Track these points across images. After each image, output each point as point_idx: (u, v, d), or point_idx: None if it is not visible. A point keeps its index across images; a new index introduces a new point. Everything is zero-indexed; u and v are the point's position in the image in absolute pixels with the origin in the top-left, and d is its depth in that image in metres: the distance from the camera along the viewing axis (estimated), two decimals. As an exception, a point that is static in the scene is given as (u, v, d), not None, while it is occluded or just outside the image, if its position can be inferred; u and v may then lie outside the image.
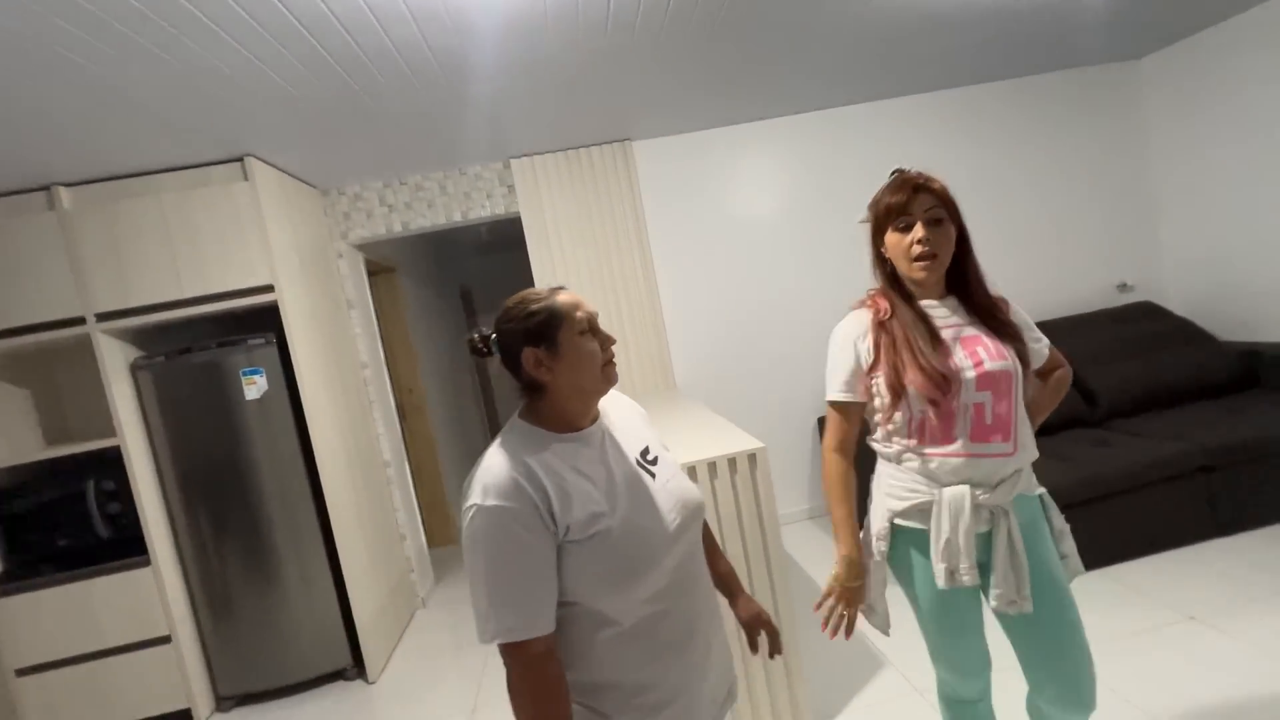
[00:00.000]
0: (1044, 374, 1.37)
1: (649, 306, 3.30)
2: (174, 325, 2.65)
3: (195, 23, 1.55)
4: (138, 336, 2.61)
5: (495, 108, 2.50)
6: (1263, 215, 3.14)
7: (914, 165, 1.32)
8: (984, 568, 1.23)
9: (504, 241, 6.19)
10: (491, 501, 0.88)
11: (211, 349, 2.54)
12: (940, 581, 1.21)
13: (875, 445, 1.34)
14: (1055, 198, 3.57)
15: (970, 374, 1.19)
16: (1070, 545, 1.31)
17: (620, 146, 3.24)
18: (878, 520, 1.31)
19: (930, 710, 1.89)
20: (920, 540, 1.25)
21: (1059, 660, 1.22)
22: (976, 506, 1.19)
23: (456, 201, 3.20)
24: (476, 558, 0.89)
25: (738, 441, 1.82)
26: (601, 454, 0.99)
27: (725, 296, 3.41)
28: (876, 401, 1.28)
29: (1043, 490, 1.31)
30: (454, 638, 2.94)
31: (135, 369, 2.50)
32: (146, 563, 2.47)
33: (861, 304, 1.34)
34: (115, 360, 2.45)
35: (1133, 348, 3.18)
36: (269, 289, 2.46)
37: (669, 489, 1.01)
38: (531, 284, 6.75)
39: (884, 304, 1.29)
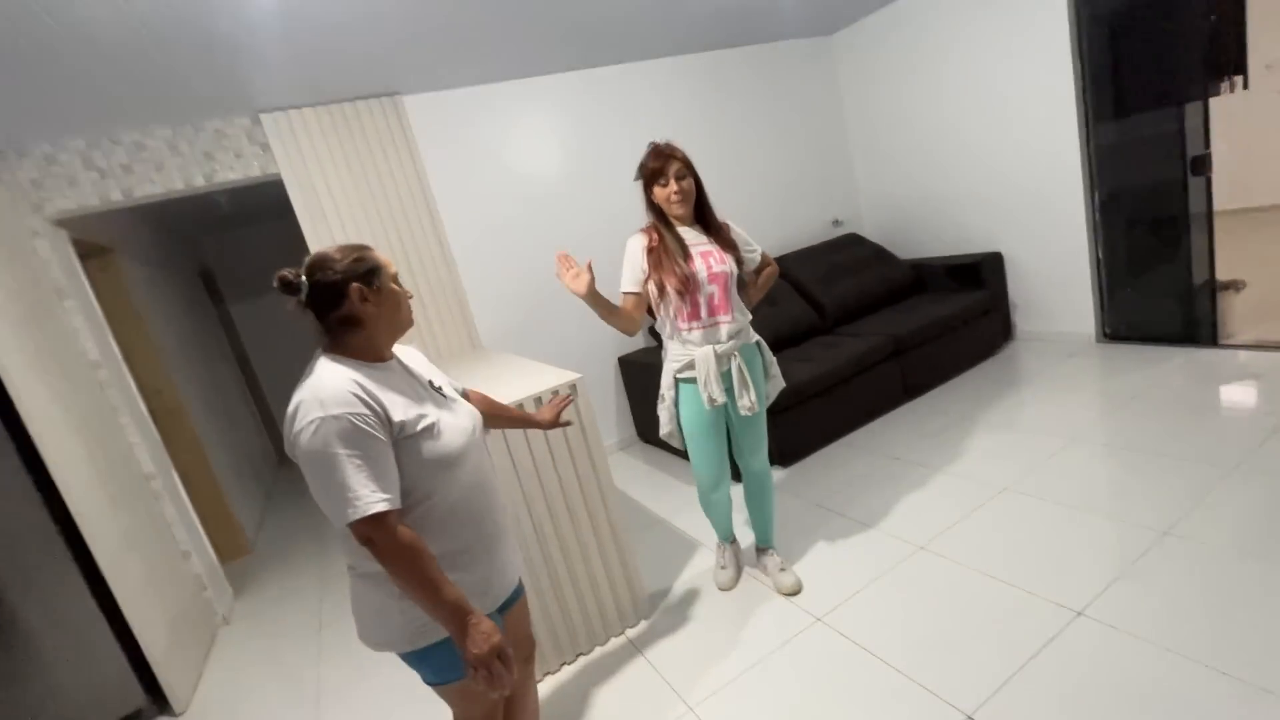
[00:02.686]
0: (758, 271, 2.07)
1: (444, 267, 3.26)
2: None
3: None
4: None
5: (236, 51, 2.22)
6: (919, 162, 4.17)
7: (664, 130, 1.71)
8: (729, 395, 1.96)
9: (249, 213, 5.42)
10: (335, 410, 1.06)
11: None
12: (706, 405, 1.91)
13: (660, 331, 1.99)
14: (777, 151, 4.27)
15: (704, 274, 1.87)
16: (776, 370, 2.08)
17: (390, 101, 3.07)
18: (666, 379, 2.00)
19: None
20: (690, 387, 1.95)
21: (754, 439, 2.09)
22: (717, 356, 1.88)
23: (195, 163, 2.76)
24: (330, 458, 1.05)
25: (558, 376, 2.00)
26: (403, 379, 1.23)
27: (517, 250, 3.50)
28: (651, 298, 1.91)
29: (758, 339, 2.03)
30: (271, 644, 2.71)
31: None
32: None
33: (643, 230, 1.96)
34: None
35: (846, 270, 4.04)
36: (-59, 279, 1.92)
37: (456, 407, 1.29)
38: (296, 256, 6.06)
39: (654, 235, 1.92)
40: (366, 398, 1.09)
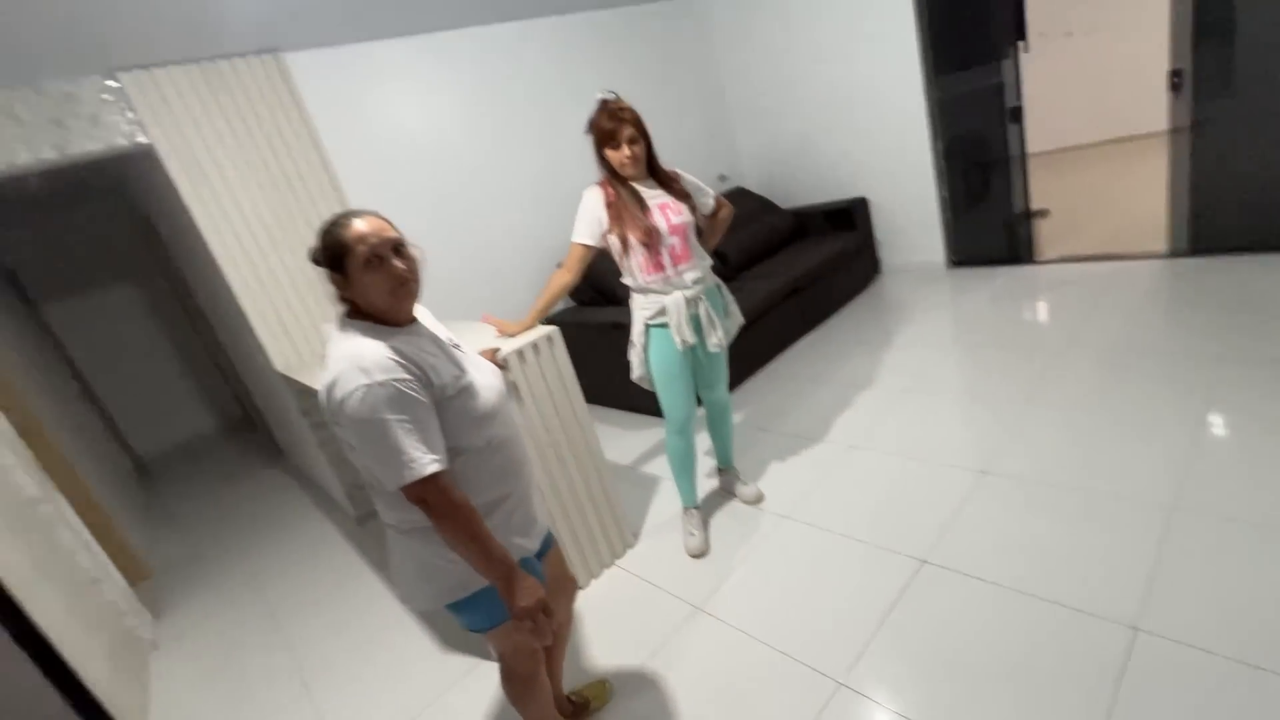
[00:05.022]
0: (713, 216, 2.18)
1: (353, 240, 3.07)
2: None
3: None
4: None
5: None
6: (789, 116, 4.58)
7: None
8: (698, 335, 2.09)
9: (67, 195, 4.60)
10: (380, 377, 1.07)
11: None
12: (679, 346, 2.03)
13: (626, 283, 2.08)
14: (664, 111, 4.45)
15: (664, 227, 1.96)
16: (735, 308, 2.24)
17: (271, 59, 2.79)
18: (637, 328, 2.10)
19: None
20: (661, 332, 2.06)
21: (718, 373, 2.25)
22: (686, 300, 2.01)
23: (41, 132, 2.34)
24: (380, 424, 1.06)
25: (536, 330, 2.06)
26: (430, 341, 1.23)
27: (428, 213, 3.38)
28: (614, 252, 2.02)
29: (718, 281, 2.17)
30: (223, 655, 2.52)
31: None
32: None
33: (599, 184, 2.01)
34: None
35: (739, 221, 4.35)
36: None
37: (480, 364, 1.32)
38: (119, 244, 5.17)
39: (610, 191, 1.98)
40: (406, 363, 1.11)
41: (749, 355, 3.56)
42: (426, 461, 1.08)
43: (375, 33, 3.07)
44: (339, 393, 1.07)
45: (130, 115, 2.50)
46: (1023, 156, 3.75)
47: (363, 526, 3.21)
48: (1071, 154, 5.97)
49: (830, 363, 3.45)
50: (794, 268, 3.92)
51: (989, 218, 4.02)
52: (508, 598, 1.15)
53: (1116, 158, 5.50)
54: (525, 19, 3.65)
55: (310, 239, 2.84)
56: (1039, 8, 5.47)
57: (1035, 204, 3.94)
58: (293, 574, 2.96)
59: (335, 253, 1.14)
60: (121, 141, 2.50)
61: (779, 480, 2.54)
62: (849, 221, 4.37)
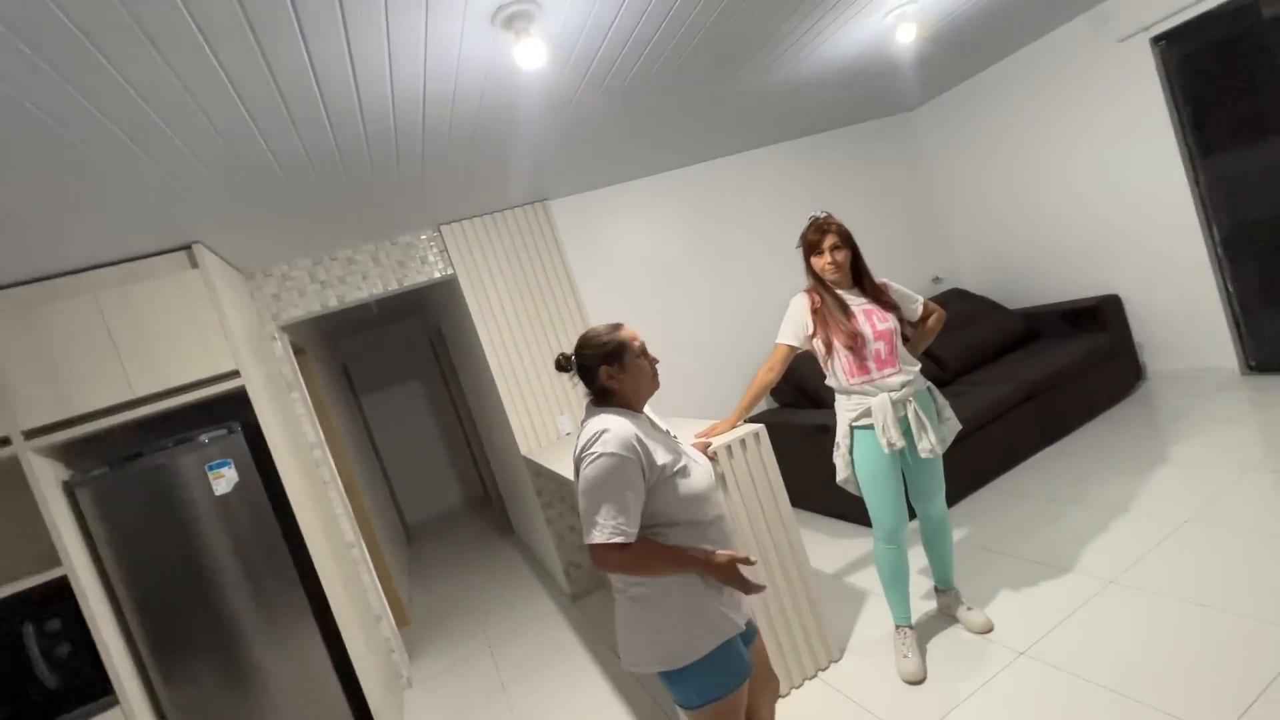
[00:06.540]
0: (923, 319, 2.20)
1: (587, 345, 3.61)
2: (100, 437, 2.41)
3: (180, 106, 1.51)
4: (65, 453, 2.33)
5: (431, 185, 2.69)
6: (1016, 215, 4.33)
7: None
8: (908, 439, 2.05)
9: (389, 315, 6.10)
10: (615, 449, 1.31)
11: (168, 448, 2.36)
12: (885, 449, 1.99)
13: (831, 385, 2.13)
14: (876, 217, 4.54)
15: (869, 332, 2.01)
16: (950, 412, 2.16)
17: (540, 206, 3.56)
18: (841, 429, 2.11)
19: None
20: (867, 434, 2.04)
21: (932, 482, 2.16)
22: (893, 403, 1.99)
23: (391, 270, 3.27)
24: (601, 485, 1.29)
25: (743, 428, 2.20)
26: (654, 427, 1.45)
27: (648, 322, 3.82)
28: (819, 355, 2.10)
29: (929, 384, 2.12)
30: (459, 705, 2.87)
31: (74, 486, 2.24)
32: (113, 703, 2.17)
33: (806, 291, 2.14)
34: (49, 480, 2.18)
35: (957, 323, 4.13)
36: (234, 374, 2.37)
37: (693, 452, 1.50)
38: (414, 350, 6.61)
39: (816, 297, 2.10)
40: (640, 446, 1.34)
41: (973, 467, 3.25)
42: (613, 532, 1.29)
43: (618, 178, 3.73)
44: (592, 448, 1.34)
45: (445, 255, 3.37)
46: (1346, 239, 3.04)
47: (575, 604, 3.49)
48: None
49: (1080, 481, 2.99)
50: (1027, 372, 3.56)
51: (1304, 314, 3.26)
52: (710, 571, 1.35)
53: None
54: (742, 151, 4.12)
55: (554, 345, 3.47)
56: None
57: (1376, 295, 3.11)
58: (517, 640, 3.30)
59: (618, 349, 1.44)
60: (437, 274, 3.36)
61: (1013, 610, 2.23)
62: (1095, 322, 3.87)
